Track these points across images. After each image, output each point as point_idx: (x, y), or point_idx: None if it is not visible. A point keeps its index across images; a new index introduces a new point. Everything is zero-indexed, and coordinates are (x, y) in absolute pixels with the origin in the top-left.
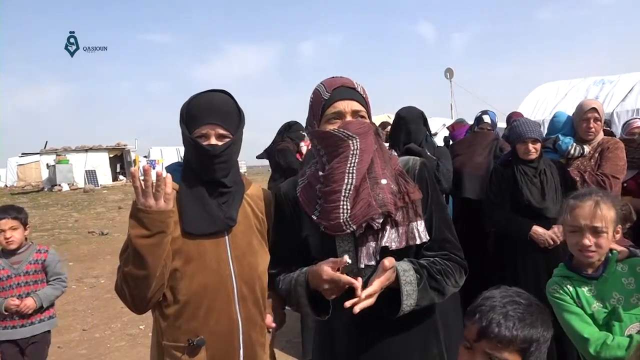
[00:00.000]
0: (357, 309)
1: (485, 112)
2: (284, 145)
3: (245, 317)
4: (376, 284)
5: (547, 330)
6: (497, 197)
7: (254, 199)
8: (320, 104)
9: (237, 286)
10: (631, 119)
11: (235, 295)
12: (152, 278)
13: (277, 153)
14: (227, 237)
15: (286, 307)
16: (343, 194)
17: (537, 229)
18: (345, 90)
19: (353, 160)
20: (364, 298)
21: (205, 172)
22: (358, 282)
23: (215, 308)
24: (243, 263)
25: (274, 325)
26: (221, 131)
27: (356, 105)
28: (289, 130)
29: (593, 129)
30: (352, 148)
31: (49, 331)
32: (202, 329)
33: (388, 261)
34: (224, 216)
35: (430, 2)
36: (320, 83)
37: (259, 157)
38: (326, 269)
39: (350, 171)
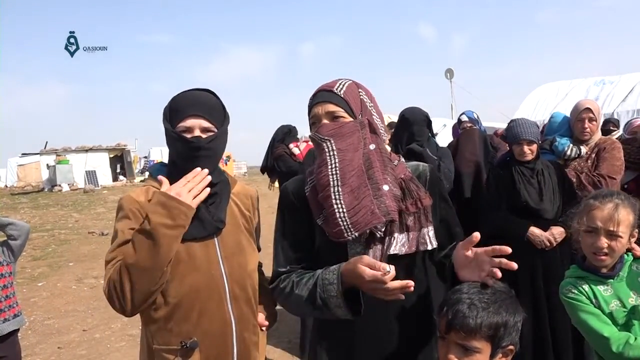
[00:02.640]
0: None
1: (462, 114)
2: (280, 151)
3: (238, 317)
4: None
5: (514, 315)
6: (493, 198)
7: (240, 197)
8: (308, 112)
9: (228, 286)
10: (632, 119)
11: (227, 296)
12: (160, 271)
13: (276, 160)
14: (216, 238)
15: (277, 306)
16: (333, 197)
17: (534, 230)
18: (321, 94)
19: (332, 162)
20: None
21: (190, 166)
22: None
23: (207, 309)
24: (233, 263)
25: (266, 323)
26: (205, 124)
27: (331, 107)
28: (289, 135)
29: (588, 129)
30: (327, 150)
31: (17, 330)
32: (195, 330)
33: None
34: (212, 219)
35: (431, 2)
36: None
37: (263, 170)
38: (367, 270)
39: (333, 172)
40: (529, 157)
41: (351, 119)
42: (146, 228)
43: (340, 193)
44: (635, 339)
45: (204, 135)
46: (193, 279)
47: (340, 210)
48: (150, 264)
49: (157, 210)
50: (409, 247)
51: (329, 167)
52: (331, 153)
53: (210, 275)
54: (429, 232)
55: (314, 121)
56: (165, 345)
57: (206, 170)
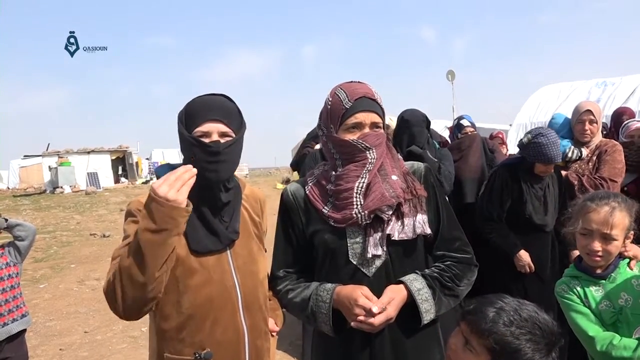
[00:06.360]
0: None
1: (461, 118)
2: (307, 150)
3: (250, 325)
4: (392, 310)
5: (535, 352)
6: (494, 207)
7: (249, 201)
8: (340, 111)
9: (241, 296)
10: (629, 122)
11: (240, 305)
12: (150, 281)
13: (304, 159)
14: (228, 249)
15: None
16: (356, 190)
17: (522, 255)
18: (367, 101)
19: (368, 168)
20: (377, 323)
21: (207, 172)
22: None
23: (221, 320)
24: (245, 272)
25: (277, 329)
26: (224, 128)
27: (375, 118)
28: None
29: (588, 131)
30: (370, 158)
31: (24, 330)
32: (208, 341)
33: (391, 291)
34: (227, 230)
35: (432, 5)
36: (340, 88)
37: (292, 165)
38: (363, 298)
39: (364, 175)
40: (548, 174)
41: (382, 130)
42: (136, 234)
43: (362, 189)
44: (620, 339)
45: (222, 140)
46: (207, 290)
47: (358, 201)
48: (137, 271)
49: (143, 214)
50: (406, 233)
51: (364, 170)
52: (372, 161)
53: (224, 286)
54: (424, 219)
55: (356, 127)
56: (178, 355)
57: (190, 166)
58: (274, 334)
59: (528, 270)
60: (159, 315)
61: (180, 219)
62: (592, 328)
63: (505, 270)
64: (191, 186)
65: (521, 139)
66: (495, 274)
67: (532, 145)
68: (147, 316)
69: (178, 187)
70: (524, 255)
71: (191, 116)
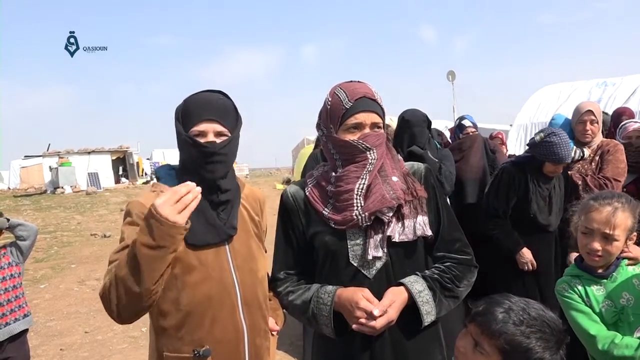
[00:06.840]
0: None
1: (463, 118)
2: (315, 151)
3: (250, 323)
4: (393, 312)
5: (545, 350)
6: (500, 204)
7: (248, 201)
8: (340, 111)
9: (240, 294)
10: (625, 123)
11: (239, 303)
12: (145, 293)
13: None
14: (227, 245)
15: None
16: (356, 192)
17: (525, 253)
18: (367, 101)
19: (368, 168)
20: (379, 325)
21: (204, 172)
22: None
23: (220, 317)
24: (244, 270)
25: (277, 328)
26: (219, 128)
27: (376, 118)
28: None
29: (590, 131)
30: (370, 158)
31: (26, 330)
32: (207, 338)
33: (392, 294)
34: (225, 225)
35: (432, 5)
36: (340, 88)
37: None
38: (364, 301)
39: (364, 176)
40: (555, 175)
41: (383, 130)
42: (134, 245)
43: (362, 190)
44: (622, 338)
45: (218, 140)
46: (205, 287)
47: (359, 203)
48: (133, 283)
49: (141, 227)
50: (407, 235)
51: (364, 171)
52: (372, 161)
53: (223, 283)
54: (424, 220)
55: (356, 127)
56: (177, 353)
57: (193, 184)
58: (274, 333)
59: (530, 268)
60: (158, 312)
61: (178, 236)
62: (593, 327)
63: (507, 268)
64: (192, 209)
65: (532, 137)
66: (497, 272)
67: (544, 144)
68: (147, 316)
69: (180, 209)
70: (527, 253)
71: (188, 115)
